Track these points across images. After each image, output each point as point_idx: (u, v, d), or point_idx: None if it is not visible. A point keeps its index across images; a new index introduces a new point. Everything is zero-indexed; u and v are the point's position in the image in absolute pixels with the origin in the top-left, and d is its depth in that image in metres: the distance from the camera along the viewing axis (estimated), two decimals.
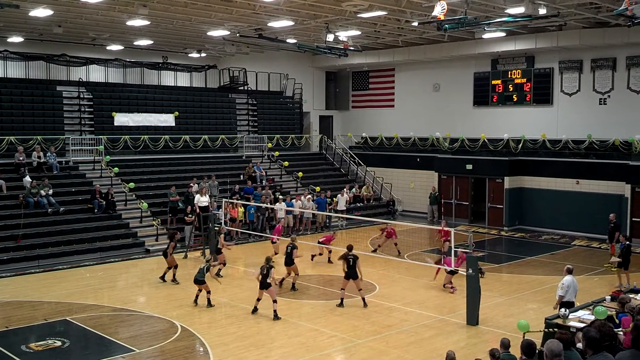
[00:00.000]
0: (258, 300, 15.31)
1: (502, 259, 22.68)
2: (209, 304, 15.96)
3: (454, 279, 17.38)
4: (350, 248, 16.30)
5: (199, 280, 15.99)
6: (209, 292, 16.07)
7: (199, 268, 16.28)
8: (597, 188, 26.00)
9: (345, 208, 28.81)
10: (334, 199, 28.68)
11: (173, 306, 16.05)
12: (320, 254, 21.30)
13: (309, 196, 27.43)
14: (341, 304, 16.03)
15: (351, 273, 15.98)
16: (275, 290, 15.48)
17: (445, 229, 19.99)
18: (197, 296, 16.22)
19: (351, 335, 13.89)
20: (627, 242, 17.84)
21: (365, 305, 15.95)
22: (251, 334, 13.99)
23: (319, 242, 21.06)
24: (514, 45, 28.77)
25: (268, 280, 14.96)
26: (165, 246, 19.14)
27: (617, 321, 10.18)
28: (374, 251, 22.05)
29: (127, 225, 23.82)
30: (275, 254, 19.96)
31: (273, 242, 21.30)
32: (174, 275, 18.48)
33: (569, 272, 13.40)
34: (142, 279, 19.88)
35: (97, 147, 26.76)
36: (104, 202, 23.72)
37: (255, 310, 15.26)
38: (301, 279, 18.47)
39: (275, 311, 14.89)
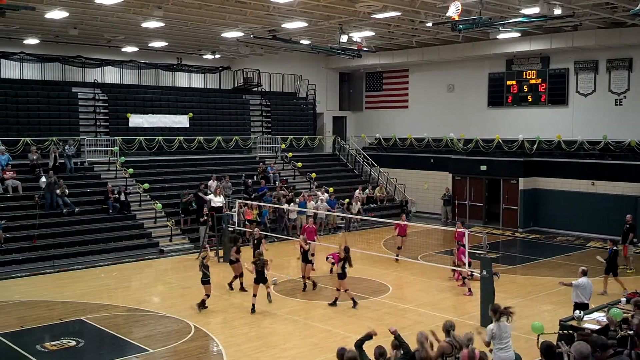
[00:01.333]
0: (254, 296, 15.58)
1: (517, 261, 22.54)
2: (202, 306, 15.74)
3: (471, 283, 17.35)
4: (347, 250, 16.36)
5: (205, 281, 15.81)
6: (207, 296, 15.85)
7: (202, 271, 15.84)
8: (612, 189, 25.78)
9: (358, 210, 28.75)
10: (346, 201, 28.63)
11: (187, 306, 16.09)
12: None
13: (322, 197, 27.42)
14: (355, 304, 16.07)
15: (344, 273, 16.15)
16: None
17: (460, 230, 19.73)
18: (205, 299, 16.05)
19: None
20: (615, 248, 17.34)
21: (334, 304, 16.11)
22: (264, 334, 14.03)
23: (327, 259, 19.84)
24: (528, 45, 28.60)
25: (265, 275, 15.62)
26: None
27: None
28: (397, 258, 21.42)
29: (142, 226, 23.94)
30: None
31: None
32: (241, 283, 17.59)
33: (584, 273, 13.33)
34: (157, 279, 19.99)
35: (112, 148, 26.91)
36: (118, 203, 23.86)
37: (253, 309, 15.51)
38: (314, 279, 18.52)
39: (269, 294, 15.87)
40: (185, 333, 14.03)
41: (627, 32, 25.37)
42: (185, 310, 15.78)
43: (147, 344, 13.26)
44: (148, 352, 12.83)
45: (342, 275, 16.15)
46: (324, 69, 37.12)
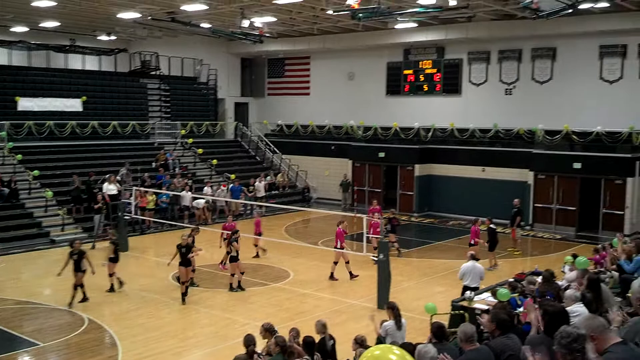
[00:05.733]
0: (183, 284, 15.47)
1: (412, 244, 23.23)
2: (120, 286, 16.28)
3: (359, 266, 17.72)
4: (234, 232, 16.49)
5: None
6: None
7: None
8: (502, 175, 27.07)
9: (264, 194, 28.87)
10: (250, 187, 28.59)
11: (80, 298, 15.52)
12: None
13: (223, 184, 27.22)
14: (240, 287, 16.38)
15: (237, 256, 16.27)
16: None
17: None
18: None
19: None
20: (492, 226, 19.16)
21: (232, 288, 16.28)
22: (161, 325, 13.78)
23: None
24: (425, 36, 29.40)
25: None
26: None
27: (519, 302, 10.62)
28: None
29: (31, 215, 22.85)
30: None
31: None
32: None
33: (472, 257, 13.97)
34: (48, 271, 19.04)
35: (0, 134, 25.47)
36: (7, 191, 22.63)
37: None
38: (215, 267, 18.37)
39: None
40: (78, 326, 13.56)
41: (517, 24, 26.53)
42: (78, 302, 15.20)
43: (38, 338, 12.74)
44: (39, 346, 12.31)
45: (235, 258, 16.27)
46: (226, 53, 36.60)
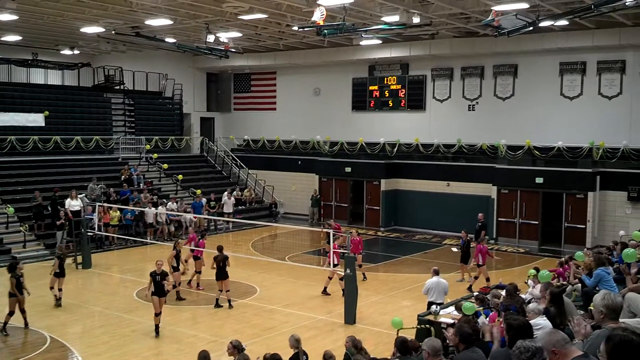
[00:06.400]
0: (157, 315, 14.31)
1: (379, 259, 23.35)
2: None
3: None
4: (220, 249, 16.33)
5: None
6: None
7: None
8: (466, 190, 27.41)
9: (232, 210, 28.68)
10: (212, 202, 28.38)
11: (42, 316, 15.22)
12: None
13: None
14: (218, 305, 16.15)
15: (222, 274, 16.10)
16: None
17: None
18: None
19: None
20: (468, 239, 19.13)
21: (230, 306, 16.12)
22: (125, 343, 13.57)
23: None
24: (389, 52, 29.74)
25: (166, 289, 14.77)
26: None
27: (484, 316, 10.75)
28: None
29: None
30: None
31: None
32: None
33: (435, 273, 14.02)
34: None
35: None
36: None
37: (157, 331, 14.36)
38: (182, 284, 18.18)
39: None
40: (40, 344, 13.28)
41: (479, 41, 27.05)
42: (41, 320, 14.91)
43: None
44: None
45: (219, 276, 16.14)
46: (191, 68, 36.47)
